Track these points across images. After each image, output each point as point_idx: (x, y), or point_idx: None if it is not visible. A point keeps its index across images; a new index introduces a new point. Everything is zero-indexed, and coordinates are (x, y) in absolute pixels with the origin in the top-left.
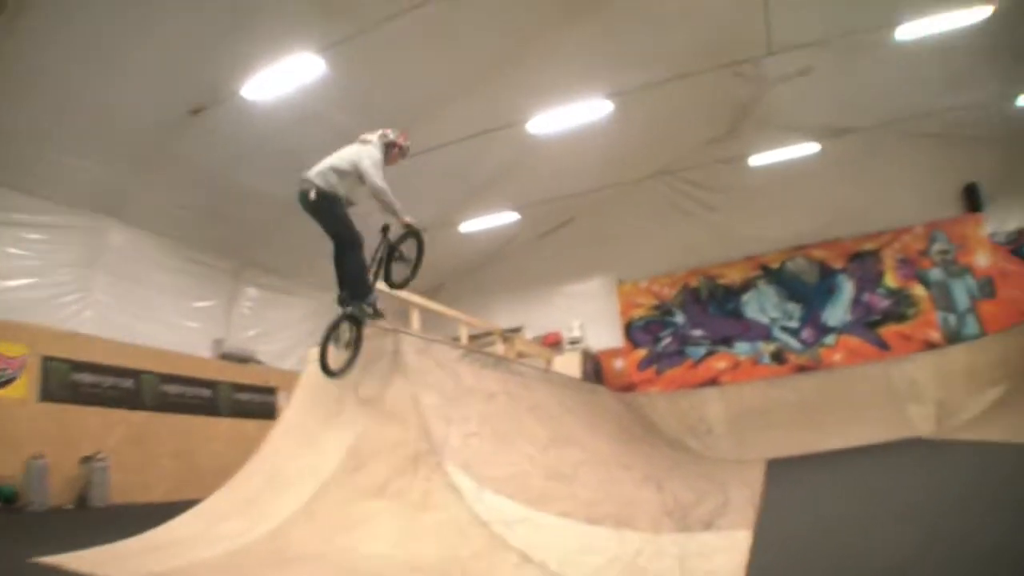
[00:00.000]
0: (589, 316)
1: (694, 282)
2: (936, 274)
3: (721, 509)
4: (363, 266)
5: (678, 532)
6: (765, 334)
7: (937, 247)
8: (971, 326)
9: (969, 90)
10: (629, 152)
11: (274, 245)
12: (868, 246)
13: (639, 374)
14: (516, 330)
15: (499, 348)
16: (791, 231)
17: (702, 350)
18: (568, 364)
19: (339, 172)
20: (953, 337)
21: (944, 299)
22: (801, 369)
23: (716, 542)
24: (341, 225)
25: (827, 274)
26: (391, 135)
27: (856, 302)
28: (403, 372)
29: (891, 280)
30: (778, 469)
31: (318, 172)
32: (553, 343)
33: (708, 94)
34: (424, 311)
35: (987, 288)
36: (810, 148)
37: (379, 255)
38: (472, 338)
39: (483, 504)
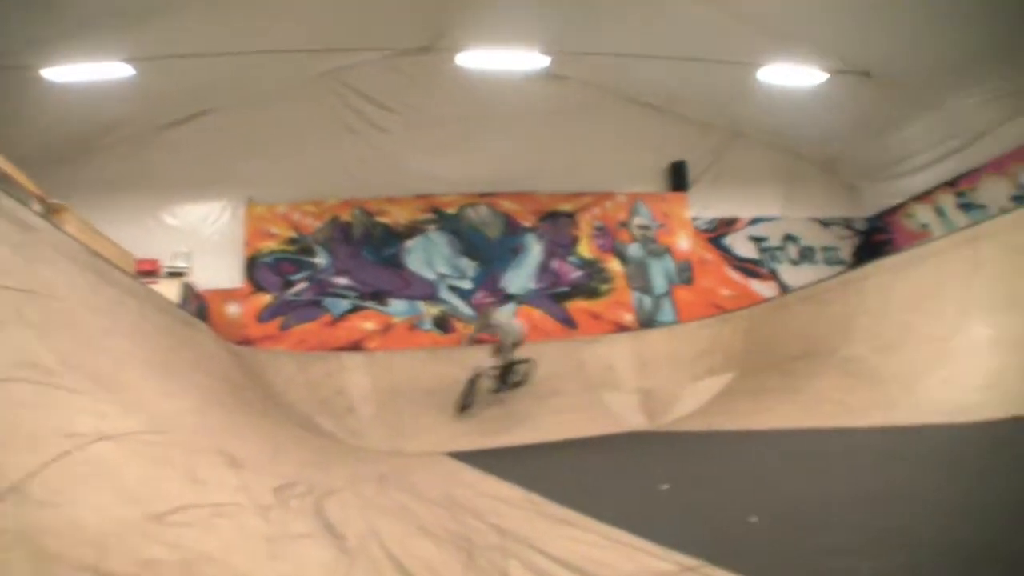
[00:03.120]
0: (203, 244)
1: (347, 216)
2: (635, 250)
3: None
4: None
5: None
6: (429, 293)
7: (638, 221)
8: (667, 312)
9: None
10: (295, 33)
11: None
12: (565, 206)
13: (259, 326)
14: None
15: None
16: (477, 174)
17: (346, 304)
18: None
19: None
20: (647, 322)
21: (641, 279)
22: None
23: None
24: None
25: (514, 231)
26: None
27: (544, 268)
28: None
29: (586, 249)
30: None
31: None
32: (148, 271)
33: None
34: None
35: (685, 274)
36: (538, 61)
37: None
38: None
39: None
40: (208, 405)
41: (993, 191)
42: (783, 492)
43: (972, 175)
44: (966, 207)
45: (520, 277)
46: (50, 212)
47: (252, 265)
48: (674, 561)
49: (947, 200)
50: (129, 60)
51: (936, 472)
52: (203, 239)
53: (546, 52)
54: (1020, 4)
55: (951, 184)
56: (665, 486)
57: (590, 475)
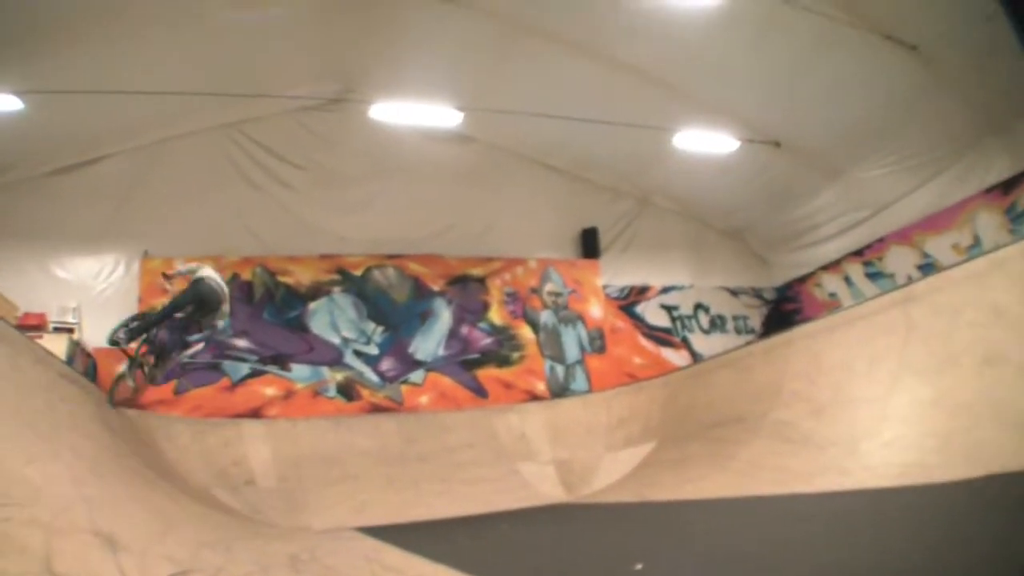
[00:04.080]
0: (94, 299)
1: (247, 274)
2: (547, 317)
3: None
4: None
5: None
6: (334, 358)
7: (550, 287)
8: (580, 381)
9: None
10: (197, 78)
11: None
12: (475, 271)
13: (152, 389)
14: None
15: None
16: (385, 234)
17: (245, 368)
18: None
19: None
20: (559, 391)
21: (553, 346)
22: (376, 409)
23: None
24: None
25: (422, 295)
26: None
27: (453, 335)
28: None
29: (497, 315)
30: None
31: None
32: (33, 326)
33: (317, 43)
34: None
35: (598, 342)
36: (451, 116)
37: None
38: None
39: None
40: (87, 474)
41: (899, 260)
42: (787, 566)
43: (878, 244)
44: (873, 276)
45: (429, 343)
46: None
47: None
48: None
49: (855, 269)
50: (18, 92)
51: (942, 533)
52: (94, 293)
53: (459, 108)
54: (916, 78)
55: (858, 254)
56: (639, 566)
57: (538, 554)
